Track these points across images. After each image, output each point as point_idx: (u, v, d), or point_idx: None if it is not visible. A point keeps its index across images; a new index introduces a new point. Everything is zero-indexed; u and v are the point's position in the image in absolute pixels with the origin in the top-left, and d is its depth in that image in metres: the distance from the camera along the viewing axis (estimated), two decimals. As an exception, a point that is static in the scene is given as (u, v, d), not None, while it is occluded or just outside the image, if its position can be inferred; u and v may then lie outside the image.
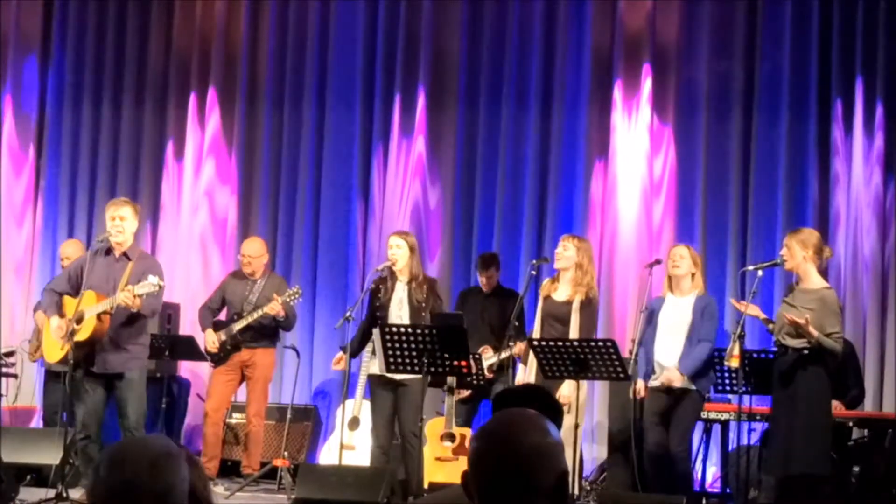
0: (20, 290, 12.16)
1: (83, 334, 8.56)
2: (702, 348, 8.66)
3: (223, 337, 10.03)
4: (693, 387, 8.63)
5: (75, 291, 8.68)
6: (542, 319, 8.97)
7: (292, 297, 9.90)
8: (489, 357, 9.54)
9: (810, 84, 11.05)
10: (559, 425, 3.70)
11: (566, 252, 8.96)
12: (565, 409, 8.47)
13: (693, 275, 8.82)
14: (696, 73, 11.32)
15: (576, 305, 8.82)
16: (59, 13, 12.41)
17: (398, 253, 9.19)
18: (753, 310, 8.44)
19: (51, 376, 10.41)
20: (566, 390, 8.57)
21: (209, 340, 10.07)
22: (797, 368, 8.12)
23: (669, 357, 8.67)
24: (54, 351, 8.80)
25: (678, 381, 8.60)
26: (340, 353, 9.49)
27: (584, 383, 8.59)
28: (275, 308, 9.82)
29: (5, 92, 12.30)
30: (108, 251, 8.85)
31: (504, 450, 2.81)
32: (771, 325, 8.44)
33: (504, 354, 9.33)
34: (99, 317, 8.54)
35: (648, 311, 8.87)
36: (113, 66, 12.28)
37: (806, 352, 8.06)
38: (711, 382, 8.99)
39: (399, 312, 9.13)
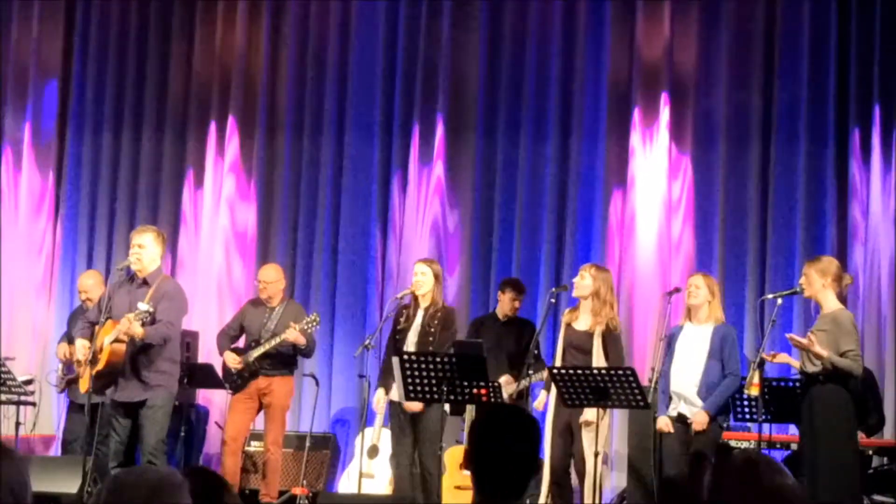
0: (39, 318, 12.19)
1: (101, 363, 8.60)
2: (729, 383, 8.58)
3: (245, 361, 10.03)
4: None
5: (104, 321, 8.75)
6: (563, 349, 8.96)
7: (310, 325, 9.85)
8: (510, 387, 9.53)
9: (828, 113, 11.07)
10: (537, 439, 3.76)
11: (583, 281, 8.95)
12: (589, 431, 8.50)
13: (710, 303, 8.78)
14: (714, 102, 11.34)
15: (597, 336, 8.81)
16: (80, 42, 12.46)
17: (423, 280, 9.23)
18: (785, 357, 8.39)
19: (74, 407, 10.43)
20: (590, 414, 8.53)
21: (230, 360, 10.04)
22: (815, 394, 8.08)
23: (686, 387, 8.63)
24: (83, 379, 8.86)
25: (705, 422, 8.54)
26: (380, 393, 9.40)
27: (607, 411, 8.59)
28: (292, 335, 9.80)
29: (26, 120, 12.36)
30: (132, 278, 8.91)
31: (754, 491, 2.88)
32: (797, 364, 8.35)
33: (523, 384, 9.32)
34: (114, 345, 8.58)
35: (668, 340, 8.85)
36: (133, 95, 12.33)
37: (821, 377, 8.02)
38: (729, 411, 8.95)
39: (414, 340, 9.16)
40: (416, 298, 9.29)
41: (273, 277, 10.29)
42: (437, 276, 9.29)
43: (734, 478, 2.98)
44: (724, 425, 8.95)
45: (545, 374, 9.07)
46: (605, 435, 8.79)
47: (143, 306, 8.54)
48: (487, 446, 3.66)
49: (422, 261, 9.58)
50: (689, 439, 8.59)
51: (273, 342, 9.90)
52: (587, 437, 8.51)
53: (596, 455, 8.29)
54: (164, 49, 12.34)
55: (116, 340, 8.61)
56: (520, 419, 3.75)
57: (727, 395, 8.63)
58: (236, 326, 10.31)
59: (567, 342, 8.93)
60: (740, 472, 2.98)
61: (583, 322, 8.92)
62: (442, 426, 8.53)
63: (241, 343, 10.28)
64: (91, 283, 10.37)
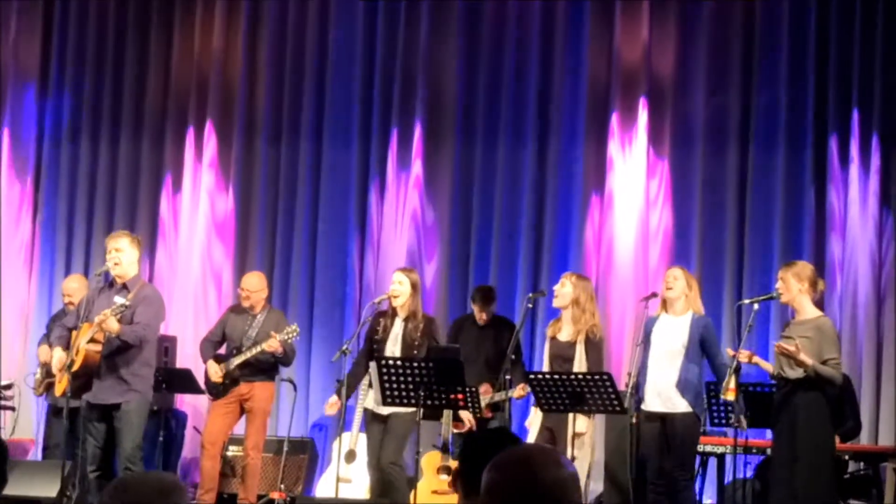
0: (18, 323, 12.16)
1: (77, 364, 8.61)
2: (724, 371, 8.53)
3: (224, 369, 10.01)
4: (688, 409, 8.57)
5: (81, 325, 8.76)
6: (549, 360, 8.99)
7: (290, 336, 9.85)
8: (487, 396, 9.52)
9: (806, 117, 11.09)
10: None
11: (563, 289, 8.97)
12: (579, 442, 8.48)
13: (687, 296, 8.79)
14: (693, 106, 11.36)
15: (580, 346, 8.83)
16: (58, 47, 12.45)
17: (399, 289, 9.23)
18: (755, 358, 8.38)
19: (54, 411, 10.40)
20: (582, 426, 8.52)
21: (212, 371, 10.04)
22: (797, 400, 8.09)
23: (664, 382, 8.63)
24: (59, 384, 8.86)
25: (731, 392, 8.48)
26: (334, 398, 9.43)
27: (593, 419, 8.61)
28: (272, 345, 9.79)
29: (3, 125, 12.34)
30: (111, 284, 8.92)
31: (524, 482, 2.85)
32: (769, 367, 8.36)
33: (499, 396, 9.31)
34: (89, 346, 8.59)
35: (645, 330, 8.85)
36: (111, 100, 12.32)
37: (804, 384, 8.03)
38: (703, 402, 8.88)
39: (393, 349, 9.17)
40: (393, 308, 9.29)
41: (256, 286, 10.26)
42: (414, 286, 9.28)
43: (509, 472, 2.95)
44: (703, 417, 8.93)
45: (524, 389, 9.01)
46: (590, 445, 8.80)
47: (119, 299, 8.55)
48: (476, 471, 3.64)
49: (400, 269, 9.60)
50: (666, 438, 8.59)
51: (253, 351, 9.88)
52: (579, 451, 8.47)
53: (589, 469, 8.32)
54: (142, 53, 12.33)
55: (92, 341, 8.63)
56: (507, 442, 3.73)
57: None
58: (219, 333, 10.29)
59: (553, 353, 8.98)
60: (515, 467, 2.96)
61: (565, 332, 8.96)
62: (409, 430, 8.58)
63: (222, 350, 10.26)
64: (76, 287, 10.35)
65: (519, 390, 9.06)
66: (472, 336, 10.10)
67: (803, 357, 7.95)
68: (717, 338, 8.98)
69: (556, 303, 9.04)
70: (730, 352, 8.44)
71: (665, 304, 8.84)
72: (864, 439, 10.17)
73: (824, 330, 8.16)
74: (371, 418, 9.16)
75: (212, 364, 10.04)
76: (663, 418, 8.60)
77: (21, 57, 12.43)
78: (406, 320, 9.21)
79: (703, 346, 8.66)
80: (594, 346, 8.88)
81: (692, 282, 8.89)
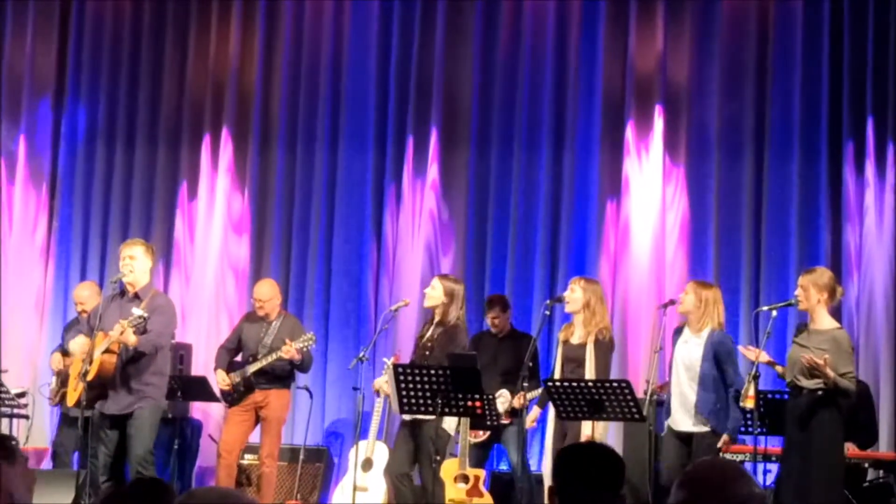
0: (33, 331, 12.15)
1: (91, 374, 8.60)
2: (734, 398, 8.43)
3: (237, 378, 9.99)
4: (707, 428, 8.50)
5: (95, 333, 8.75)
6: (561, 364, 8.97)
7: (305, 344, 9.84)
8: (504, 402, 9.50)
9: (821, 124, 11.08)
10: (623, 483, 3.69)
11: (574, 294, 8.97)
12: None
13: (701, 311, 8.66)
14: (708, 114, 11.34)
15: (589, 347, 8.82)
16: (73, 56, 12.45)
17: (429, 293, 9.25)
18: (763, 356, 8.33)
19: (66, 419, 10.38)
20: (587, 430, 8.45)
21: (220, 379, 10.03)
22: (812, 411, 8.05)
23: (684, 397, 8.57)
24: (71, 393, 8.85)
25: (727, 441, 8.46)
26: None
27: (600, 425, 8.56)
28: (289, 352, 9.77)
29: (19, 133, 12.33)
30: (123, 293, 8.91)
31: (717, 499, 2.82)
32: (780, 369, 8.35)
33: (517, 400, 9.29)
34: (104, 356, 8.59)
35: (673, 338, 8.80)
36: (126, 108, 12.31)
37: (820, 392, 8.01)
38: (737, 422, 8.61)
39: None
40: (433, 314, 9.28)
41: (268, 294, 10.25)
42: (448, 293, 9.18)
43: (703, 489, 2.92)
44: (731, 436, 8.84)
45: (541, 389, 9.05)
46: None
47: (137, 311, 8.55)
48: (573, 485, 3.59)
49: (438, 275, 9.61)
50: (688, 454, 8.51)
51: (269, 358, 9.87)
52: None
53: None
54: (158, 61, 12.32)
55: (107, 351, 8.62)
56: (604, 456, 3.68)
57: (738, 411, 8.47)
58: (235, 341, 10.29)
59: (564, 357, 8.97)
60: (709, 482, 2.92)
61: (577, 335, 8.96)
62: (438, 440, 8.57)
63: (239, 358, 10.24)
64: (87, 294, 10.35)
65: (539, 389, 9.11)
66: (490, 348, 10.08)
67: (829, 371, 7.91)
68: (735, 353, 8.76)
69: (567, 308, 9.07)
70: (741, 349, 8.43)
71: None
72: (883, 447, 10.12)
73: (841, 343, 8.12)
74: (403, 421, 9.11)
75: (220, 373, 10.04)
76: (689, 435, 8.54)
77: (37, 66, 12.42)
78: (437, 326, 9.19)
79: (717, 363, 8.56)
80: (602, 347, 8.86)
81: (706, 294, 8.68)
